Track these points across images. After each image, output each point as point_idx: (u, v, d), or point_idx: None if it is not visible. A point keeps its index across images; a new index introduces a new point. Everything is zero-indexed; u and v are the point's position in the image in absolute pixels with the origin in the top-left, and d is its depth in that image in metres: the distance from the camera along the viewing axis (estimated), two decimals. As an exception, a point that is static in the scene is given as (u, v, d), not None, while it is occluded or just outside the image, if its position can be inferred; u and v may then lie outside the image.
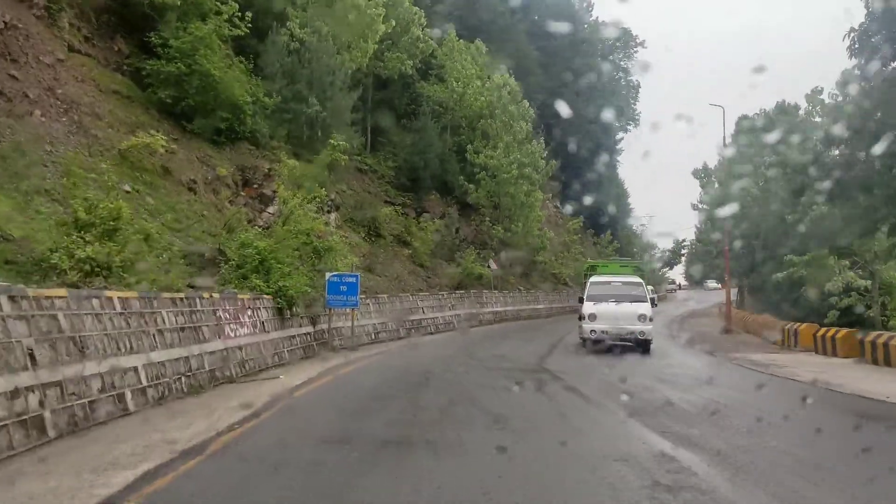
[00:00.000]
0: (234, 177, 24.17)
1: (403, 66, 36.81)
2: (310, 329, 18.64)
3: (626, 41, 70.29)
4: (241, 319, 14.00)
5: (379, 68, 37.09)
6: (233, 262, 16.16)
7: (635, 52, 71.37)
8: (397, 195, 36.53)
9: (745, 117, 62.33)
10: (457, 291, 31.40)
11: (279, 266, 16.55)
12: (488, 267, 34.55)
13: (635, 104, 72.79)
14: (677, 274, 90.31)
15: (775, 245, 35.33)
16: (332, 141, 22.22)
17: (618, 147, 70.51)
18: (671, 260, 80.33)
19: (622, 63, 71.60)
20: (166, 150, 19.27)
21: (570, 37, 59.06)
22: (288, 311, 16.82)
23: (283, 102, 27.34)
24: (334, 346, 19.75)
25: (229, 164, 24.17)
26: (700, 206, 64.05)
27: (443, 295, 29.76)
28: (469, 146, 38.00)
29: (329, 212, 28.80)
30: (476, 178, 37.81)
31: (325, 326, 19.40)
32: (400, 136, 39.11)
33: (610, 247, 58.65)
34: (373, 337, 22.76)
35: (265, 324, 15.39)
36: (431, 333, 27.10)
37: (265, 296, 15.83)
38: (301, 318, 17.97)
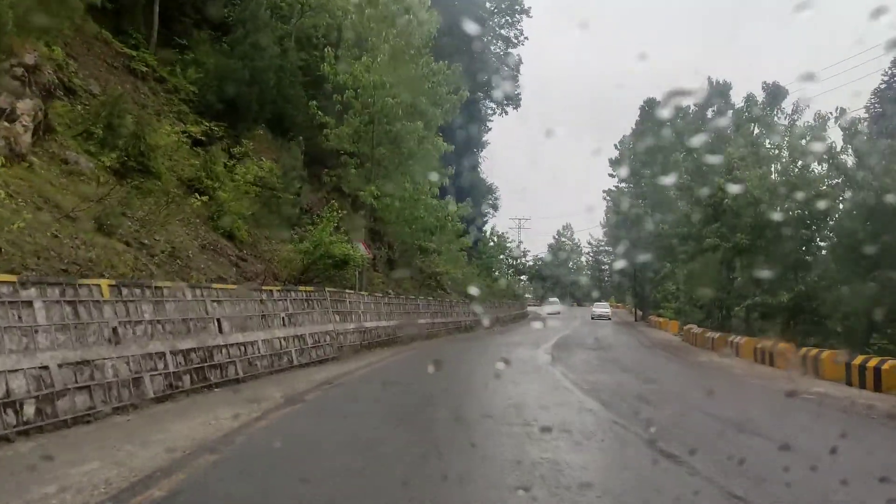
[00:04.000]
0: None
1: None
2: None
3: (513, 5, 58.20)
4: None
5: None
6: None
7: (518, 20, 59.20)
8: (200, 121, 20.73)
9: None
10: (299, 289, 15.92)
11: None
12: (352, 248, 19.45)
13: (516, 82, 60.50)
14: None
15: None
16: None
17: (485, 140, 56.83)
18: (528, 269, 69.45)
19: (503, 31, 59.22)
20: None
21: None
22: None
23: None
24: None
25: None
26: (613, 189, 55.44)
27: (272, 294, 14.20)
28: (328, 51, 22.72)
29: (19, 88, 12.43)
30: (337, 108, 22.73)
31: None
32: (208, 42, 23.55)
33: (493, 248, 45.71)
34: (49, 412, 6.86)
35: None
36: (238, 381, 11.65)
37: None
38: None
